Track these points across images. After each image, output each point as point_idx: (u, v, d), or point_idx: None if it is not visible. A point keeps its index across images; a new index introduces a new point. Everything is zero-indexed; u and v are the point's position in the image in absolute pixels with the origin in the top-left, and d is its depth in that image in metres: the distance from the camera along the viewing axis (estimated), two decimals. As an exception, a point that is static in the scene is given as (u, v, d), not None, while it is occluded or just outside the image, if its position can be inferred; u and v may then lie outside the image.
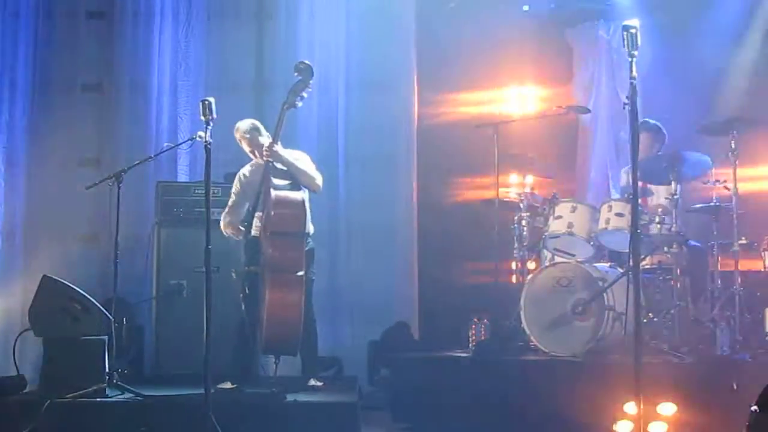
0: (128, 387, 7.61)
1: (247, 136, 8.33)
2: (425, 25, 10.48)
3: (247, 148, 8.39)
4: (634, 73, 5.93)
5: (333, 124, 10.35)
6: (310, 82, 8.19)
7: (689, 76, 9.82)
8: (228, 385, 8.08)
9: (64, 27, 10.49)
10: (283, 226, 7.93)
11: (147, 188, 9.78)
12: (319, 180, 8.37)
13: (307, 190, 8.25)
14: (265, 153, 8.14)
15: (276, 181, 8.08)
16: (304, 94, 8.18)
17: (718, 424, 6.71)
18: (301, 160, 8.36)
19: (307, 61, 8.28)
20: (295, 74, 8.19)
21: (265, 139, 8.31)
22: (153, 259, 9.35)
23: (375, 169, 10.34)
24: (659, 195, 8.76)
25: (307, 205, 8.11)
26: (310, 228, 8.24)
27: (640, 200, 8.52)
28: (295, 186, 8.18)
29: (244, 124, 8.38)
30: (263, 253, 7.94)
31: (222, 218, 8.40)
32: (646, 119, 8.96)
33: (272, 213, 7.90)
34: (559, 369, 7.76)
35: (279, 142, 8.19)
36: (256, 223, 8.16)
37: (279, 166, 8.18)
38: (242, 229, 8.20)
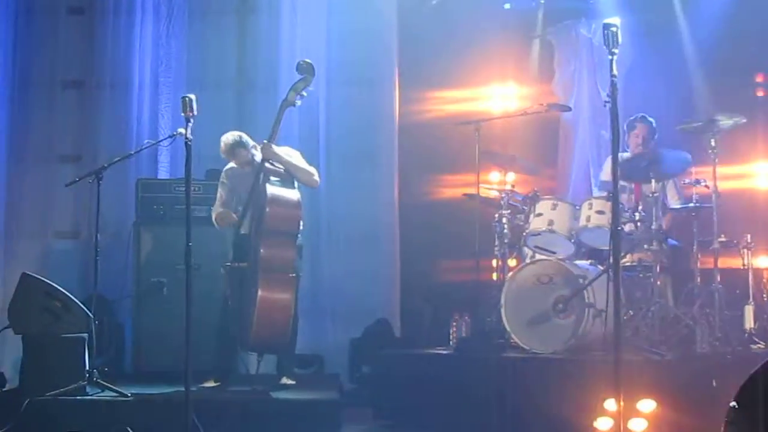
0: (108, 385, 7.59)
1: (236, 150, 8.33)
2: (407, 21, 10.47)
3: (236, 163, 8.40)
4: (615, 71, 5.94)
5: (314, 120, 10.34)
6: (312, 80, 8.21)
7: (670, 75, 9.85)
8: (211, 383, 8.08)
9: (45, 23, 10.44)
10: (278, 224, 7.97)
11: (127, 185, 9.75)
12: (316, 175, 8.44)
13: (296, 186, 8.26)
14: (261, 152, 8.14)
15: (272, 181, 8.10)
16: (304, 93, 8.22)
17: (697, 421, 6.73)
18: (294, 156, 8.38)
19: (308, 60, 8.28)
20: (297, 73, 8.21)
21: (251, 150, 8.32)
22: (133, 256, 9.33)
23: (356, 166, 10.33)
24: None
25: (301, 203, 8.14)
26: (300, 223, 8.27)
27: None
28: (287, 183, 8.18)
29: (228, 142, 8.37)
30: (254, 251, 7.94)
31: (213, 212, 8.42)
32: (644, 115, 9.01)
33: (267, 210, 7.92)
34: (540, 366, 7.77)
35: (275, 141, 8.21)
36: (246, 221, 8.18)
37: (276, 164, 8.19)
38: (235, 217, 8.21)
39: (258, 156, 8.27)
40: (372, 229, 10.25)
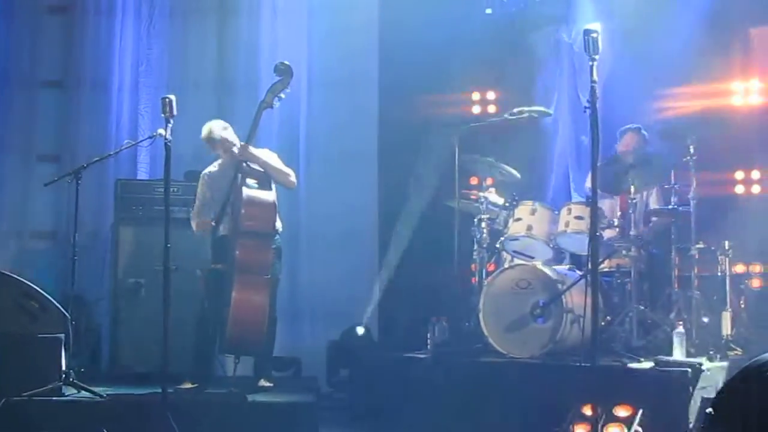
0: (85, 386, 7.56)
1: (221, 137, 8.28)
2: (388, 24, 10.47)
3: (218, 150, 8.36)
4: (595, 77, 5.96)
5: (294, 122, 10.34)
6: (290, 82, 8.19)
7: (650, 81, 9.87)
8: (188, 384, 8.06)
9: (25, 22, 10.42)
10: (253, 226, 7.95)
11: (106, 186, 9.74)
12: (292, 176, 8.40)
13: (275, 189, 8.25)
14: (238, 153, 8.12)
15: (248, 182, 8.08)
16: (282, 95, 8.19)
17: (673, 427, 6.75)
18: (272, 158, 8.36)
19: (286, 62, 8.27)
20: (275, 74, 8.19)
21: (235, 137, 8.31)
22: (111, 257, 9.30)
23: (336, 168, 10.33)
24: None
25: (277, 205, 8.13)
26: (279, 226, 8.25)
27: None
28: (265, 185, 8.16)
29: (217, 127, 8.32)
30: (232, 252, 7.93)
31: (192, 219, 8.39)
32: (637, 125, 9.02)
33: (242, 211, 7.91)
34: (517, 371, 7.77)
35: (253, 142, 8.19)
36: (224, 222, 8.16)
37: (253, 166, 8.17)
38: (212, 224, 8.20)
39: (237, 144, 8.25)
40: (351, 232, 10.25)
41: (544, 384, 7.39)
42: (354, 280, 10.20)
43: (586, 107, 5.99)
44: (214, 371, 8.45)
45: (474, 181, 9.84)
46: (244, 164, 8.12)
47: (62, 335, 7.65)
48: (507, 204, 8.79)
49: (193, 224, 8.38)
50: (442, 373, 7.99)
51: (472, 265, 9.10)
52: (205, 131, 8.32)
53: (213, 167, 8.49)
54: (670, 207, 8.40)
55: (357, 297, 10.16)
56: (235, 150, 8.23)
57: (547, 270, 8.17)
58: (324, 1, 10.49)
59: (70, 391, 7.51)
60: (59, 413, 7.27)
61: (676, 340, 7.73)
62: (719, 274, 8.44)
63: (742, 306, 8.57)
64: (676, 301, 8.21)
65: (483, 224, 8.85)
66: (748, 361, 2.46)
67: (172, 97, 6.81)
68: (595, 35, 5.97)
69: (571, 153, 10.38)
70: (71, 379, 7.54)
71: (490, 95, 10.76)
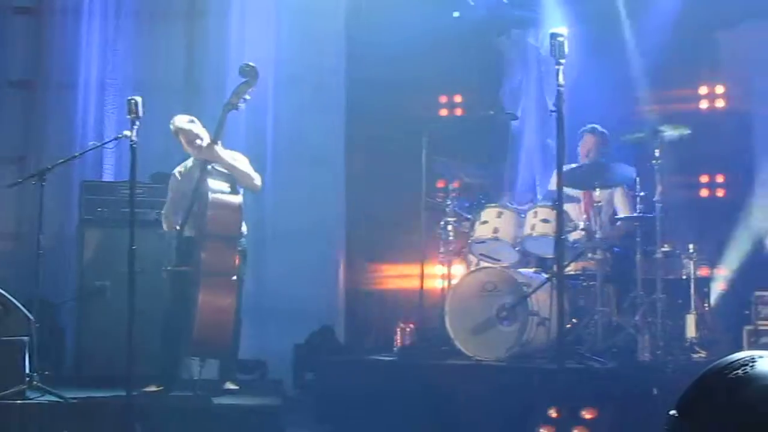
0: (49, 389, 7.50)
1: (185, 127, 8.23)
2: (356, 27, 10.48)
3: (183, 140, 8.29)
4: (561, 81, 6.00)
5: (262, 123, 10.31)
6: (255, 83, 8.16)
7: (616, 85, 9.92)
8: (153, 387, 8.02)
9: (-9, 23, 10.35)
10: (218, 228, 7.93)
11: (72, 187, 9.67)
12: (258, 180, 8.36)
13: (242, 192, 8.24)
14: (204, 153, 8.09)
15: (214, 184, 8.04)
16: (247, 96, 8.15)
17: (638, 429, 6.79)
18: (240, 160, 8.33)
19: (251, 63, 8.24)
20: (240, 76, 8.15)
21: (202, 131, 8.25)
22: (77, 259, 9.25)
23: (303, 169, 10.31)
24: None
25: (242, 207, 8.11)
26: (244, 228, 8.24)
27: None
28: (233, 190, 8.15)
29: (181, 118, 8.29)
30: (197, 254, 7.91)
31: (163, 219, 8.37)
32: (594, 125, 9.05)
33: (208, 214, 7.89)
34: (483, 373, 7.80)
35: (219, 143, 8.16)
36: (190, 223, 8.13)
37: (218, 167, 8.14)
38: (177, 228, 8.17)
39: (203, 138, 8.21)
40: (318, 235, 10.23)
41: (509, 386, 7.41)
42: (320, 282, 10.19)
43: (552, 111, 6.04)
44: (180, 374, 8.41)
45: (441, 183, 9.85)
46: (209, 166, 8.09)
47: (26, 338, 7.59)
48: (473, 207, 8.81)
49: (164, 224, 8.35)
50: (408, 375, 8.00)
51: (439, 268, 9.12)
52: (171, 122, 8.29)
53: (181, 168, 8.46)
54: (636, 214, 8.43)
55: (323, 300, 10.15)
56: (199, 142, 8.18)
57: (513, 273, 8.20)
58: (292, 3, 10.47)
59: (34, 395, 7.45)
60: (23, 417, 7.22)
61: (640, 343, 7.80)
62: (684, 277, 8.50)
63: (707, 309, 8.62)
64: (641, 304, 8.24)
65: (449, 227, 8.85)
66: (712, 363, 2.46)
67: (138, 98, 6.79)
68: (561, 39, 6.02)
69: (538, 156, 10.42)
70: (35, 382, 7.48)
71: (457, 98, 10.79)
